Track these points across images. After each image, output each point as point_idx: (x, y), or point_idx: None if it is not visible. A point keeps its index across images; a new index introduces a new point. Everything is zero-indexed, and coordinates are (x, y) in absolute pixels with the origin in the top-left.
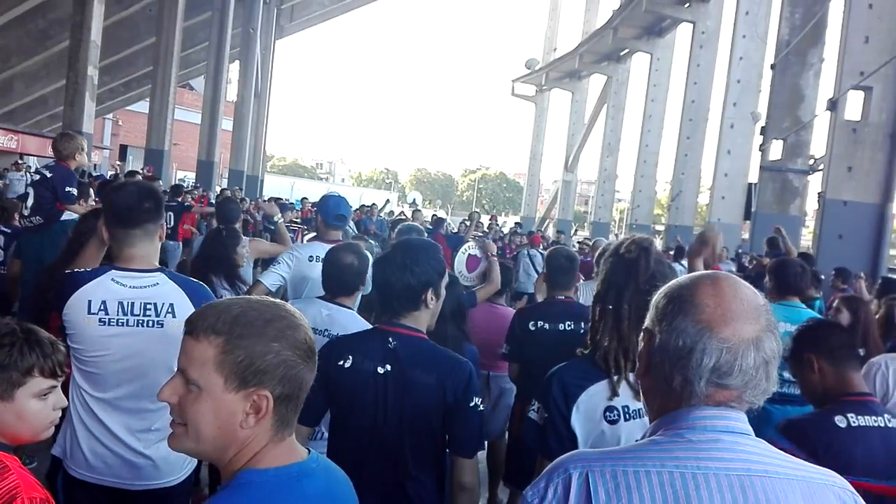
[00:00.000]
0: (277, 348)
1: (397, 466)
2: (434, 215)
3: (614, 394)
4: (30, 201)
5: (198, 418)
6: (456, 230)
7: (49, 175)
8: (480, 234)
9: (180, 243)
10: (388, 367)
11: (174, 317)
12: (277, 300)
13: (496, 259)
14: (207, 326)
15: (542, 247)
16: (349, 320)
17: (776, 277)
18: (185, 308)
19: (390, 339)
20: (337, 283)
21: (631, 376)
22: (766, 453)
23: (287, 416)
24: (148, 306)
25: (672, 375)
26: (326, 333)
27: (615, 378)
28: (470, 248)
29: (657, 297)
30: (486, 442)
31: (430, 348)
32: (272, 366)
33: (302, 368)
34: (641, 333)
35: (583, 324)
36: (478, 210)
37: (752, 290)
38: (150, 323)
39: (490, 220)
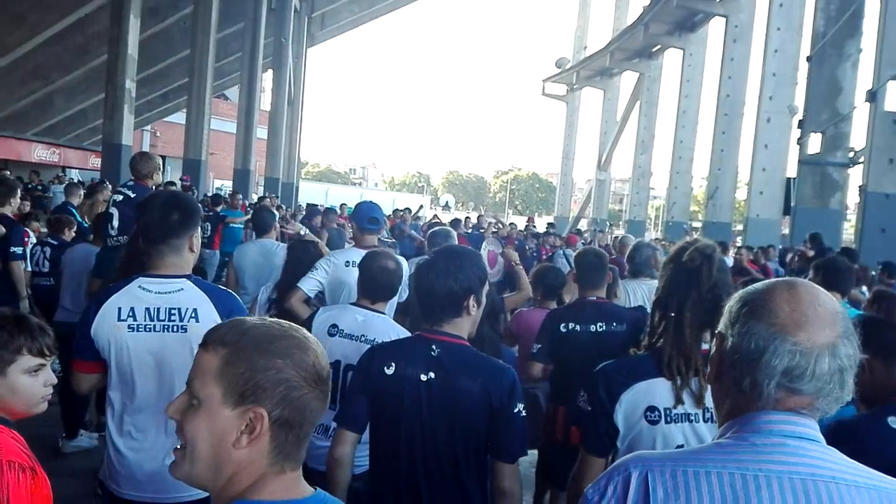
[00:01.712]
0: (280, 365)
1: (441, 474)
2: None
3: (678, 401)
4: (115, 221)
5: (194, 434)
6: (478, 227)
7: (133, 195)
8: (494, 233)
9: (217, 251)
10: (432, 375)
11: (197, 321)
12: (295, 325)
13: (521, 267)
14: (217, 338)
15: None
16: (384, 325)
17: (823, 274)
18: (210, 314)
19: (433, 347)
20: (373, 288)
21: (693, 383)
22: (834, 460)
23: (287, 447)
24: (172, 311)
25: (742, 377)
26: (362, 339)
27: (678, 384)
28: (488, 243)
29: (731, 301)
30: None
31: (473, 355)
32: (272, 383)
33: (306, 393)
34: (713, 338)
35: (615, 324)
36: (494, 214)
37: (830, 297)
38: (175, 328)
39: (527, 221)
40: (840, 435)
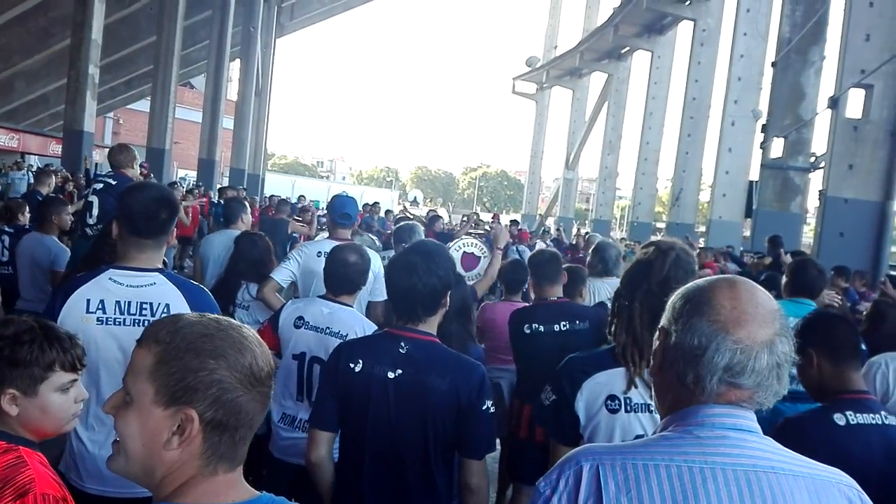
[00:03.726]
0: (213, 366)
1: (408, 470)
2: (430, 211)
3: (629, 387)
4: (94, 210)
5: (125, 431)
6: (451, 227)
7: (114, 183)
8: (480, 233)
9: (175, 241)
10: (400, 372)
11: None
12: (235, 322)
13: (500, 252)
14: (152, 334)
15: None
16: (349, 318)
17: (794, 276)
18: (182, 309)
19: (402, 344)
20: (338, 281)
21: (646, 373)
22: (772, 450)
23: (220, 448)
24: (144, 305)
25: (685, 373)
26: (327, 331)
27: (631, 371)
28: (465, 245)
29: (674, 297)
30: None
31: (442, 352)
32: (203, 384)
33: (241, 395)
34: (657, 332)
35: (577, 322)
36: (476, 211)
37: (767, 295)
38: (146, 322)
39: (492, 218)
40: (788, 431)
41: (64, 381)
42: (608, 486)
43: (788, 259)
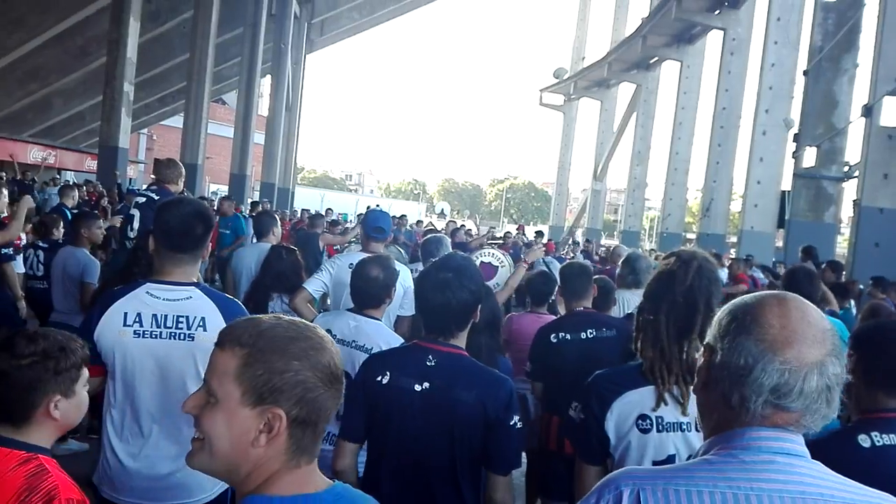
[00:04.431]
0: (297, 367)
1: (433, 483)
2: (450, 222)
3: (659, 404)
4: (135, 223)
5: (212, 431)
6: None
7: (157, 198)
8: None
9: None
10: (427, 385)
11: (205, 330)
12: (309, 323)
13: (524, 266)
14: (234, 338)
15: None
16: (375, 331)
17: (785, 287)
18: (217, 322)
19: (430, 357)
20: (363, 295)
21: (675, 389)
22: (822, 476)
23: (304, 442)
24: (180, 319)
25: (730, 393)
26: (354, 344)
27: (659, 387)
28: (483, 255)
29: (720, 314)
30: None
31: (469, 365)
32: (289, 385)
33: (322, 393)
34: (692, 345)
35: (604, 329)
36: (494, 226)
37: (819, 313)
38: (182, 336)
39: (517, 229)
40: (810, 452)
41: (86, 376)
42: None
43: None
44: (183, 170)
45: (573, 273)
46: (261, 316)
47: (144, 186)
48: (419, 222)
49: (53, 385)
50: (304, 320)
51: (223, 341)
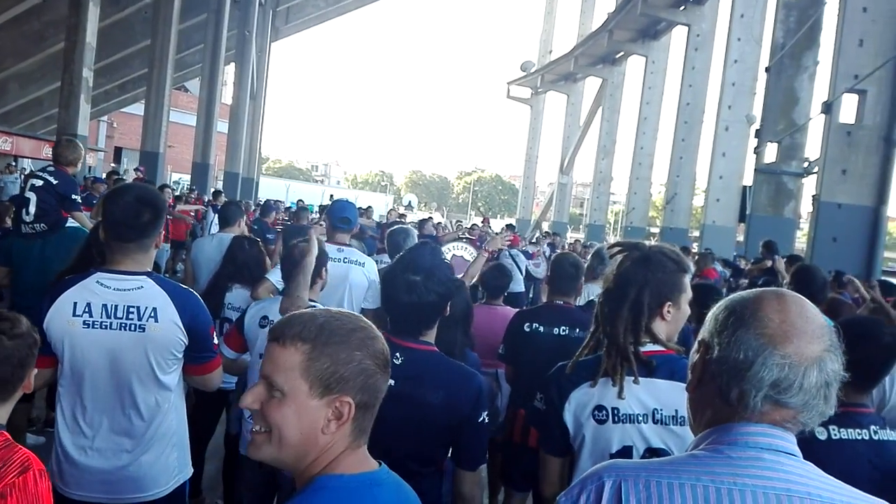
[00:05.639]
0: (360, 357)
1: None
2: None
3: (619, 396)
4: (31, 207)
5: (283, 424)
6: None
7: (55, 182)
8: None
9: (168, 245)
10: (392, 384)
11: (156, 321)
12: (353, 313)
13: (485, 255)
14: (294, 334)
15: (522, 246)
16: None
17: (797, 283)
18: (169, 313)
19: (397, 355)
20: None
21: (629, 380)
22: (810, 475)
23: (364, 424)
24: (131, 309)
25: (729, 388)
26: None
27: (615, 377)
28: (455, 248)
29: (716, 309)
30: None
31: (437, 362)
32: (354, 373)
33: (379, 378)
34: (695, 345)
35: (578, 330)
36: (461, 220)
37: (815, 309)
38: (132, 326)
39: (482, 221)
40: None
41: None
42: (629, 503)
43: (782, 264)
44: (82, 151)
45: (565, 274)
46: (311, 310)
47: (40, 169)
48: (370, 207)
49: (32, 360)
50: (351, 313)
51: (282, 338)
